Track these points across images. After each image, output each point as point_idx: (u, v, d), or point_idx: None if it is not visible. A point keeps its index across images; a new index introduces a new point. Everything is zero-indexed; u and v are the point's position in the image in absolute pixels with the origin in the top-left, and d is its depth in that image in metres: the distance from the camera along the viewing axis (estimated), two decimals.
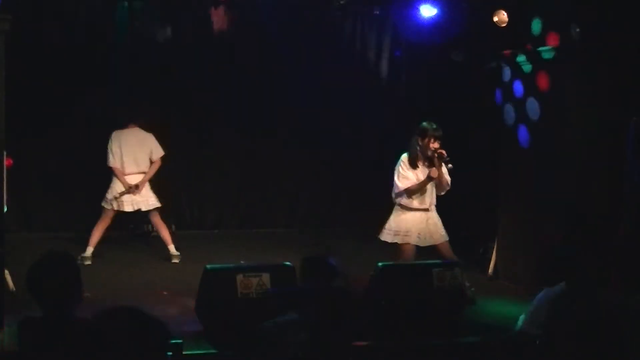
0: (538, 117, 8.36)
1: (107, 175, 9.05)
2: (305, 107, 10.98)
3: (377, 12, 10.70)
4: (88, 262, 8.71)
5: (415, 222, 7.64)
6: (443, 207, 7.84)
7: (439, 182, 7.64)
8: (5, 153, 6.66)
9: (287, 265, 6.71)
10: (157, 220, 9.23)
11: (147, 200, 9.07)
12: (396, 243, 7.66)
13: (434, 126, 7.59)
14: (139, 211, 9.13)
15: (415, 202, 7.64)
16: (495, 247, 8.91)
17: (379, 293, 6.80)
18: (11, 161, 7.15)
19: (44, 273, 3.66)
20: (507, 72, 8.82)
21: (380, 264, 6.95)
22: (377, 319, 6.72)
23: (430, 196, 7.69)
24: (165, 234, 9.25)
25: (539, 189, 8.35)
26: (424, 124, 7.64)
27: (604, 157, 7.91)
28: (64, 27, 9.83)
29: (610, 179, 7.84)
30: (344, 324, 2.87)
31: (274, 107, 11.00)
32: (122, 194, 8.92)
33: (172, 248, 9.22)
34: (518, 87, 8.65)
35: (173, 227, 10.81)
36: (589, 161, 7.95)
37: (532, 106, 8.42)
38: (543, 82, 8.28)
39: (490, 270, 8.90)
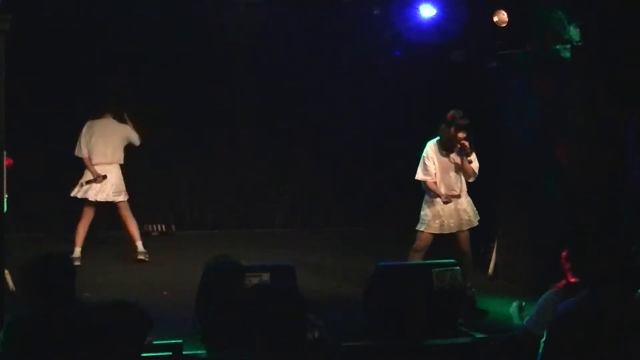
0: (538, 117, 8.36)
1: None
2: (306, 107, 10.99)
3: (377, 12, 10.68)
4: (77, 263, 8.64)
5: (444, 210, 7.60)
6: None
7: (464, 170, 7.62)
8: (5, 153, 6.65)
9: (287, 265, 6.70)
10: (125, 213, 9.05)
11: (114, 191, 8.93)
12: (418, 230, 7.64)
13: (461, 114, 7.51)
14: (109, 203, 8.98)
15: (443, 190, 7.61)
16: (495, 247, 8.91)
17: (379, 293, 6.80)
18: (11, 161, 7.13)
19: (36, 273, 3.65)
20: (507, 72, 8.81)
21: (380, 264, 6.94)
22: (377, 319, 6.72)
23: (458, 182, 7.65)
24: (133, 229, 9.09)
25: (539, 189, 8.35)
26: (452, 112, 7.56)
27: (604, 157, 7.90)
28: (64, 27, 9.81)
29: (610, 178, 7.83)
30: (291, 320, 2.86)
31: (274, 107, 10.99)
32: (89, 182, 8.86)
33: (139, 244, 9.11)
34: (518, 87, 8.64)
35: (173, 227, 10.83)
36: (589, 161, 7.95)
37: (532, 106, 8.41)
38: (543, 82, 8.27)
39: (490, 270, 8.90)
